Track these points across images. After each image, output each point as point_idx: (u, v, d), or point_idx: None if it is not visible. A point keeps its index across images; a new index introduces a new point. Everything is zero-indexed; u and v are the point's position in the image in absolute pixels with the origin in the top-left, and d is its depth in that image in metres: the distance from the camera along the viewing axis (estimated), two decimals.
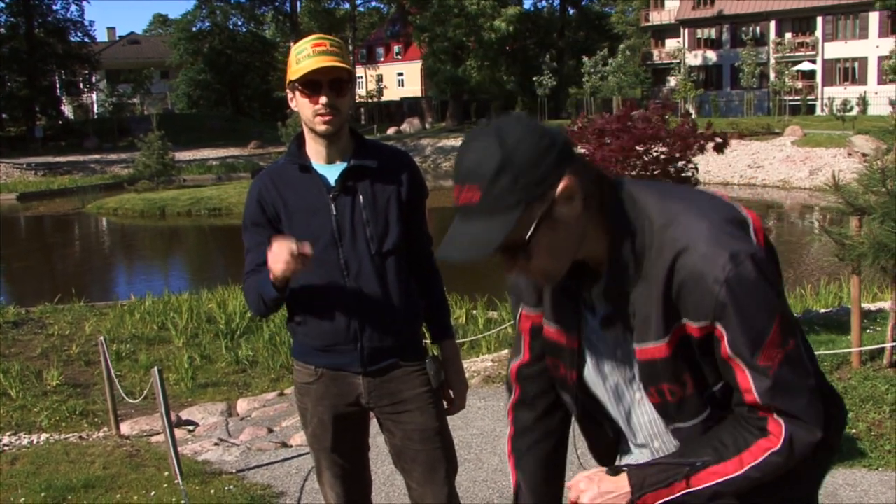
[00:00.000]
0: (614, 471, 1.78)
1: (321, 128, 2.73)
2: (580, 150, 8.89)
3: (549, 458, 2.11)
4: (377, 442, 3.15)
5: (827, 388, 1.89)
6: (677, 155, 9.00)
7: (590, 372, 1.89)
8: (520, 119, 1.62)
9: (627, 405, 1.88)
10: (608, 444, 2.03)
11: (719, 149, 9.26)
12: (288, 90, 2.79)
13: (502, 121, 1.62)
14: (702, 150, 9.08)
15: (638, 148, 8.71)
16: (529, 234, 1.59)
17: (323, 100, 2.68)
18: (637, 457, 1.95)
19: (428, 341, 3.11)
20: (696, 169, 9.12)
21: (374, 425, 3.10)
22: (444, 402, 3.01)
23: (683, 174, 9.01)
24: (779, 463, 1.70)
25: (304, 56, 2.68)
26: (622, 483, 1.75)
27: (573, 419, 2.07)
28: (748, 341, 1.64)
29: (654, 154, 8.91)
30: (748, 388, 1.68)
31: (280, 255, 2.53)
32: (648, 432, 1.88)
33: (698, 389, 1.75)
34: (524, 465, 2.11)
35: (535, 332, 1.99)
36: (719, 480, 1.71)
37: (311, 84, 2.68)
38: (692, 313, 1.66)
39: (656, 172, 8.89)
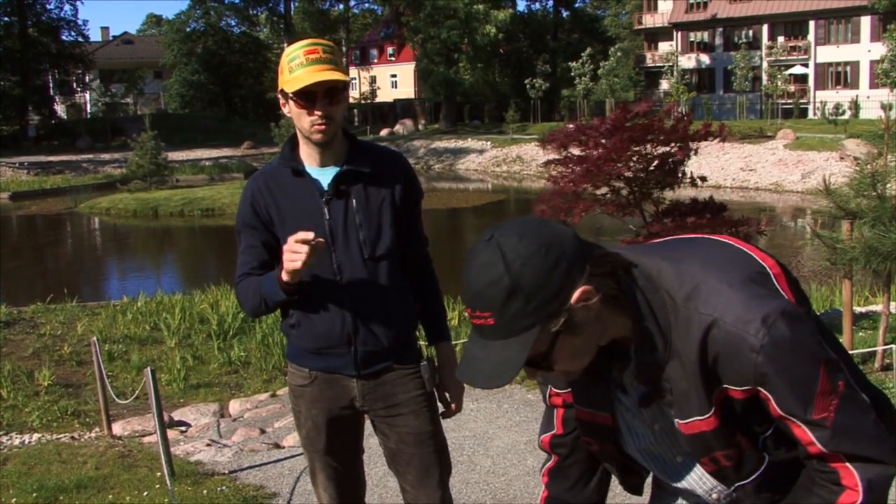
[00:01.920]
0: None
1: (316, 137, 2.72)
2: (583, 149, 8.91)
3: None
4: (370, 443, 3.15)
5: (884, 395, 1.83)
6: (674, 150, 9.01)
7: (628, 446, 1.87)
8: (522, 233, 1.55)
9: (672, 471, 1.86)
10: (641, 481, 2.01)
11: (720, 137, 9.39)
12: (280, 96, 2.76)
13: (504, 236, 1.55)
14: (697, 144, 9.11)
15: (634, 147, 8.73)
16: (548, 347, 1.58)
17: (318, 111, 2.67)
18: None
19: (423, 344, 3.11)
20: (684, 173, 9.13)
21: (367, 426, 3.11)
22: (441, 406, 3.01)
23: (681, 170, 9.04)
24: None
25: (297, 65, 2.65)
26: None
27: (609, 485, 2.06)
28: (798, 400, 1.60)
29: (652, 152, 8.92)
30: (810, 442, 1.63)
31: (298, 250, 2.52)
32: (703, 488, 1.85)
33: (753, 444, 1.71)
34: None
35: (567, 406, 1.95)
36: None
37: (306, 95, 2.65)
38: (732, 380, 1.63)
39: (653, 168, 8.92)
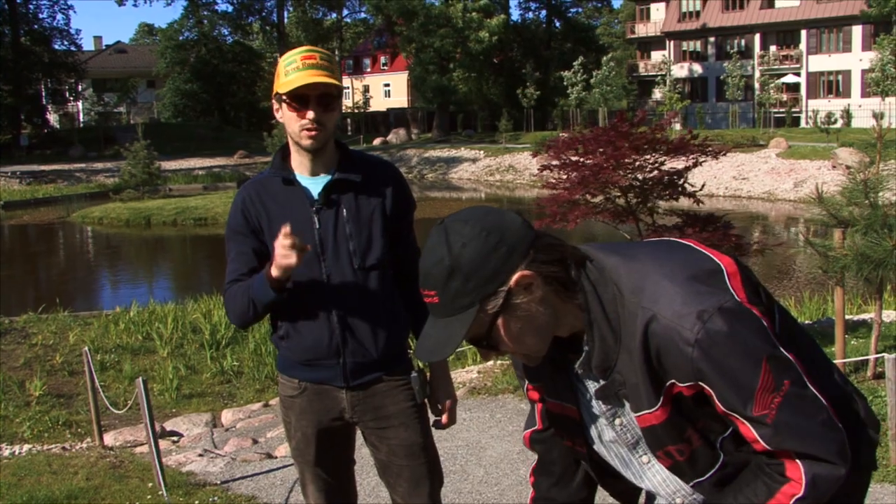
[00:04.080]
0: None
1: (306, 143, 2.71)
2: (582, 158, 8.91)
3: None
4: (362, 453, 3.14)
5: (851, 396, 1.84)
6: (677, 167, 9.02)
7: (595, 442, 1.89)
8: (468, 218, 1.65)
9: (637, 470, 1.88)
10: (631, 491, 2.02)
11: (722, 153, 9.44)
12: (274, 101, 2.76)
13: (452, 221, 1.66)
14: (697, 157, 9.11)
15: (634, 157, 8.72)
16: (488, 324, 1.66)
17: (310, 115, 2.66)
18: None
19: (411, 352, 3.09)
20: (684, 187, 9.11)
21: (359, 436, 3.09)
22: (433, 417, 2.99)
23: (679, 181, 9.03)
24: None
25: (294, 68, 2.65)
26: None
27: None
28: (736, 396, 1.62)
29: (651, 163, 8.91)
30: (754, 439, 1.66)
31: (288, 249, 2.53)
32: (665, 491, 1.87)
33: (706, 441, 1.73)
34: None
35: (546, 409, 2.00)
36: None
37: (299, 98, 2.65)
38: (676, 375, 1.65)
39: (650, 177, 8.91)
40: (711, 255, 1.74)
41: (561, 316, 1.71)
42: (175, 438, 7.53)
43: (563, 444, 2.00)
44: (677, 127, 37.02)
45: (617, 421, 1.81)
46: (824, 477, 1.64)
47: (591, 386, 1.80)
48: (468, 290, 1.62)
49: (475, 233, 1.63)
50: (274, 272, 2.60)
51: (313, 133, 2.69)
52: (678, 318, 1.61)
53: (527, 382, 1.99)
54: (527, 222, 1.69)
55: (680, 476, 1.80)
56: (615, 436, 1.84)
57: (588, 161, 8.89)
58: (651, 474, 1.86)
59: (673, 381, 1.66)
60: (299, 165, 2.80)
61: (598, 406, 1.82)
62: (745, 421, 1.64)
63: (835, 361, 6.38)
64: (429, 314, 1.71)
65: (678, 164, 9.15)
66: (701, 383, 1.63)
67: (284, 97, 2.67)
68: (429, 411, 2.99)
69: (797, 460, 1.65)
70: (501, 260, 1.62)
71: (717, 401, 1.64)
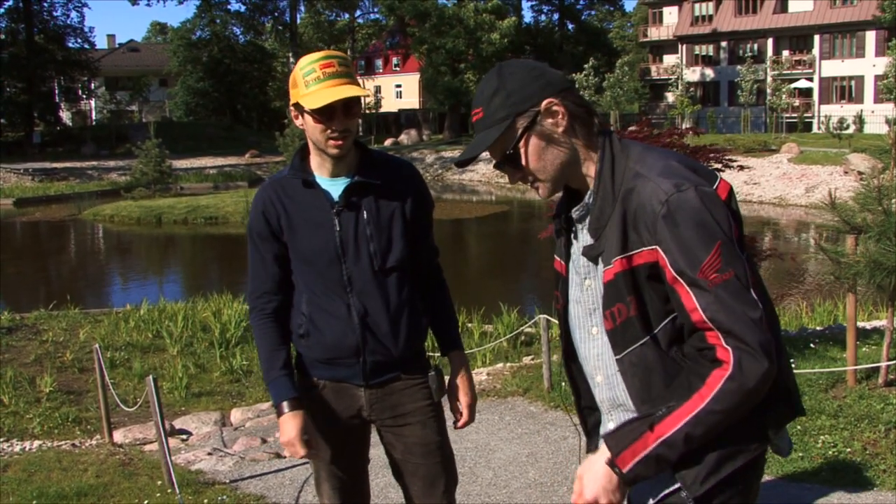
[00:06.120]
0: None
1: (333, 151, 2.70)
2: None
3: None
4: (372, 453, 3.14)
5: (785, 384, 1.98)
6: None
7: (571, 300, 2.14)
8: (520, 60, 2.05)
9: (585, 333, 2.09)
10: (588, 394, 2.20)
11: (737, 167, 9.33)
12: (293, 109, 2.74)
13: (508, 61, 2.04)
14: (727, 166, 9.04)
15: None
16: (517, 138, 1.96)
17: (336, 126, 2.66)
18: (609, 425, 2.11)
19: (432, 354, 3.10)
20: None
21: (371, 437, 3.10)
22: (454, 415, 3.00)
23: None
24: (733, 389, 1.79)
25: (314, 79, 2.63)
26: (602, 452, 1.90)
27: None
28: (686, 259, 1.82)
29: None
30: (693, 308, 1.83)
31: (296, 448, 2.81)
32: (595, 364, 2.08)
33: (640, 314, 1.92)
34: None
35: (556, 274, 2.23)
36: (684, 421, 1.81)
37: (325, 111, 2.63)
38: (644, 238, 1.87)
39: None
40: (714, 171, 2.00)
41: (578, 159, 2.00)
42: (184, 437, 7.54)
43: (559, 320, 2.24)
44: (689, 134, 36.87)
45: (587, 283, 2.05)
46: (750, 364, 1.79)
47: (583, 239, 2.04)
48: (507, 104, 1.95)
49: (522, 67, 2.00)
50: (281, 429, 2.83)
51: (341, 142, 2.69)
52: (661, 182, 1.86)
53: (555, 259, 2.22)
54: (567, 78, 2.02)
55: (613, 345, 1.97)
56: (580, 296, 2.08)
57: None
58: (592, 345, 2.07)
59: (640, 248, 1.88)
60: (319, 167, 2.80)
61: (580, 262, 2.06)
62: (687, 287, 1.83)
63: (846, 368, 6.35)
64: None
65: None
66: (658, 248, 1.85)
67: (308, 111, 2.65)
68: (445, 411, 2.99)
69: (727, 344, 1.80)
70: (538, 87, 1.96)
71: (669, 266, 1.84)
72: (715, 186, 1.91)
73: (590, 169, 1.99)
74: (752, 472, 1.99)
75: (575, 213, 2.04)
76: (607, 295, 1.95)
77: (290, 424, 2.78)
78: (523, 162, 1.98)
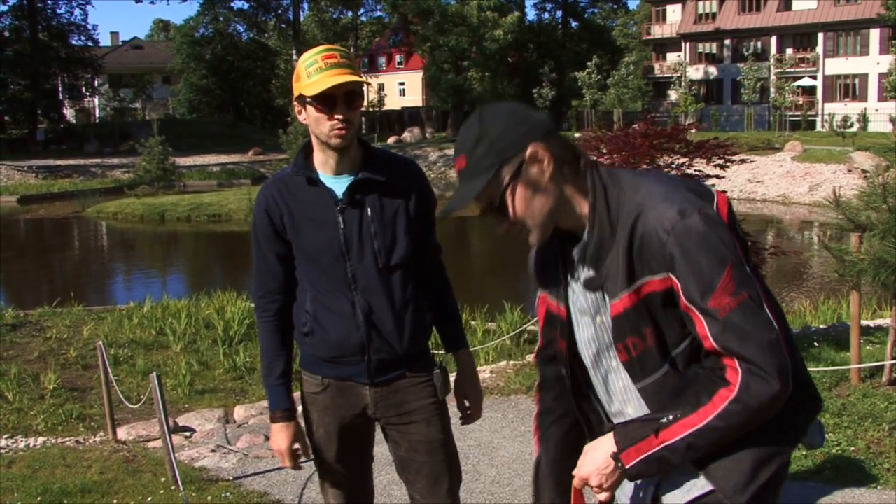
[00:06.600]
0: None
1: (335, 142, 2.70)
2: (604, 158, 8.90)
3: (568, 435, 2.28)
4: (376, 451, 3.14)
5: (806, 381, 1.99)
6: (697, 171, 8.95)
7: (580, 341, 2.10)
8: (501, 104, 1.99)
9: (605, 371, 2.06)
10: (601, 427, 2.17)
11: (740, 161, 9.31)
12: (296, 103, 2.74)
13: (489, 106, 2.00)
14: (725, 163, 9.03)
15: (654, 154, 8.65)
16: (503, 188, 1.92)
17: (338, 115, 2.66)
18: None
19: (436, 352, 3.10)
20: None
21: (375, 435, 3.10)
22: (461, 412, 3.00)
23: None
24: (738, 410, 1.81)
25: (316, 69, 2.64)
26: (609, 442, 1.96)
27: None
28: (698, 287, 1.81)
29: (670, 163, 8.85)
30: (705, 335, 1.84)
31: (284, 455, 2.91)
32: (623, 397, 2.05)
33: (658, 344, 1.92)
34: (546, 440, 2.30)
35: (547, 318, 2.20)
36: (688, 432, 1.85)
37: (326, 99, 2.64)
38: (653, 267, 1.85)
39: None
40: (709, 188, 1.99)
41: (566, 201, 1.96)
42: (188, 434, 7.54)
43: (562, 363, 2.19)
44: (692, 131, 36.86)
45: (598, 319, 2.02)
46: (757, 386, 1.80)
47: (583, 275, 2.01)
48: (490, 153, 1.91)
49: (504, 113, 1.96)
50: (272, 437, 2.92)
51: (342, 132, 2.69)
52: (664, 209, 1.85)
53: (538, 293, 2.20)
54: (550, 120, 2.00)
55: (632, 375, 1.97)
56: (593, 334, 2.04)
57: (606, 162, 8.85)
58: (615, 378, 2.05)
59: (648, 278, 1.87)
60: (323, 164, 2.80)
61: (585, 300, 2.03)
62: (700, 315, 1.83)
63: (850, 367, 6.35)
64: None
65: (700, 167, 9.07)
66: (671, 275, 1.84)
67: (311, 99, 2.66)
68: (450, 408, 2.99)
69: (738, 367, 1.81)
70: (521, 134, 1.91)
71: (681, 293, 1.84)
72: (715, 205, 1.91)
73: (583, 208, 1.96)
74: (784, 473, 2.03)
75: (576, 254, 2.00)
76: (616, 328, 1.95)
77: (281, 435, 2.88)
78: (511, 212, 1.95)
